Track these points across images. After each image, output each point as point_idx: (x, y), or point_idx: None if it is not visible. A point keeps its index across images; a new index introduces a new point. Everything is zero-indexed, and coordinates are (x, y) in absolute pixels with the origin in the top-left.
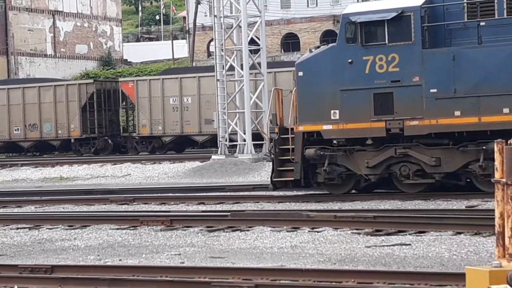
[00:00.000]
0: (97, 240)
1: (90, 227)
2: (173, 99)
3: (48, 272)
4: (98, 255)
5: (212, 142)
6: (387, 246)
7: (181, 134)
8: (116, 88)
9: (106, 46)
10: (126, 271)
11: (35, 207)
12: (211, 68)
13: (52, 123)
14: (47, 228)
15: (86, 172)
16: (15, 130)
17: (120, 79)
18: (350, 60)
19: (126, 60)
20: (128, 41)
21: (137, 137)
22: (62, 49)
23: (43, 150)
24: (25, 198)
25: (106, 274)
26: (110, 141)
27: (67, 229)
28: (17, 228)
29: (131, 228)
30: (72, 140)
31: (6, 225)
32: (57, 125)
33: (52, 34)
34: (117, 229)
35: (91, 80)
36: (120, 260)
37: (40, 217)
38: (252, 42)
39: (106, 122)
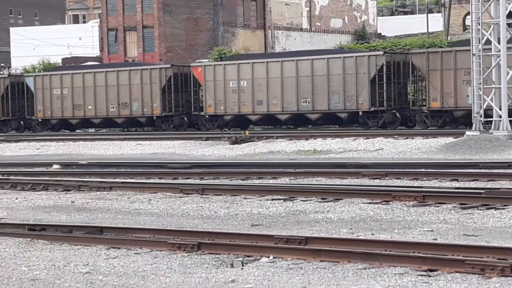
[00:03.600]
0: (350, 214)
1: (342, 200)
2: (232, 83)
3: (302, 243)
4: (351, 229)
5: (263, 121)
6: None
7: (238, 114)
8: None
9: (360, 20)
10: (378, 246)
11: (290, 179)
12: (259, 56)
13: (139, 102)
14: (301, 200)
15: (339, 145)
16: (111, 108)
17: (192, 64)
18: None
19: (380, 34)
20: (382, 15)
21: (206, 116)
22: (317, 23)
23: (133, 125)
24: (280, 170)
25: (358, 248)
26: (185, 119)
27: (320, 202)
28: (272, 199)
29: (383, 202)
30: (154, 118)
31: (262, 196)
32: (143, 104)
33: (308, 9)
34: (369, 203)
35: (169, 65)
36: (372, 234)
37: (294, 189)
38: (510, 15)
39: (183, 102)
